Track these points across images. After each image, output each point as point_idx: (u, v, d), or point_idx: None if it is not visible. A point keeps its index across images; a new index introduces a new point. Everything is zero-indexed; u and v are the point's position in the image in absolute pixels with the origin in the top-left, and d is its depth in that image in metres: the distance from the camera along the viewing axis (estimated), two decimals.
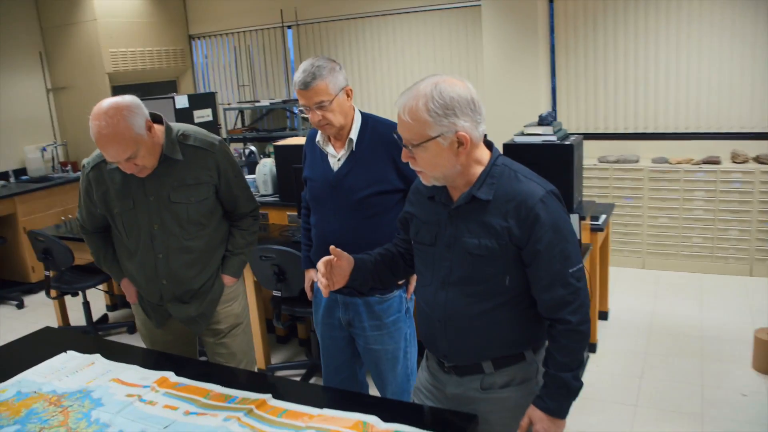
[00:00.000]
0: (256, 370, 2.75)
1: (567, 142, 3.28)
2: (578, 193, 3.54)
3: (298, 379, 3.75)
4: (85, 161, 2.39)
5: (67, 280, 4.48)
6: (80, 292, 4.59)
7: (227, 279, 2.56)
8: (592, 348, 3.94)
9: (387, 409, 1.84)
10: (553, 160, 3.29)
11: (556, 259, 1.63)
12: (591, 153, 5.24)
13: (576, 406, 1.73)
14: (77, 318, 5.00)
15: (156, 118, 2.33)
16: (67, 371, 2.20)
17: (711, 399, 3.34)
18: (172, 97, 5.29)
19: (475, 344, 1.74)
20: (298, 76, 2.32)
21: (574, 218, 3.24)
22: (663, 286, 4.99)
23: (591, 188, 5.28)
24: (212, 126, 5.75)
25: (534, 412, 1.70)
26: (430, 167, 1.66)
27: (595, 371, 3.73)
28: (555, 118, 3.38)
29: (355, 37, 6.67)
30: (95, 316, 4.90)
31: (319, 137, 2.50)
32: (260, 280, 3.66)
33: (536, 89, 5.33)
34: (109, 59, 6.53)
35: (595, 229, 3.76)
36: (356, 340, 2.58)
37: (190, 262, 2.43)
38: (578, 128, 5.64)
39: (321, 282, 1.81)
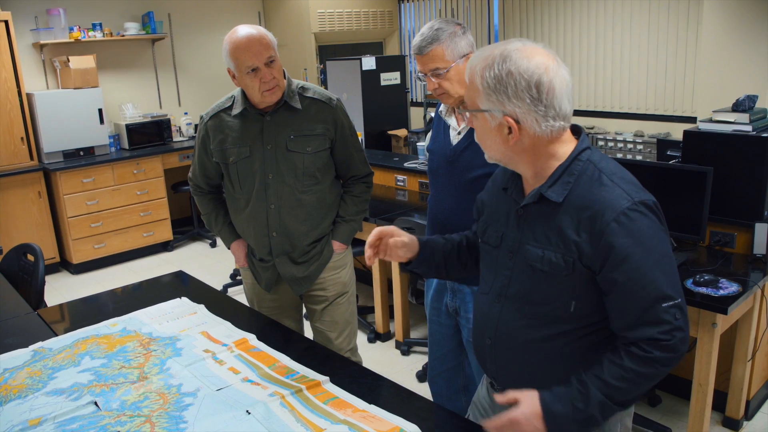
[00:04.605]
0: (356, 343, 2.68)
1: (765, 135, 2.65)
2: None
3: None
4: (203, 113, 2.45)
5: None
6: None
7: (337, 245, 2.51)
8: (734, 425, 2.94)
9: (438, 420, 1.64)
10: (743, 157, 2.69)
11: (645, 292, 1.26)
12: None
13: None
14: None
15: None
16: (171, 317, 2.30)
17: None
18: (360, 59, 5.32)
19: (526, 375, 1.44)
20: (415, 40, 2.13)
21: (761, 228, 2.64)
22: None
23: None
24: (399, 90, 5.70)
25: (530, 400, 1.33)
26: (481, 141, 1.42)
27: None
28: (754, 104, 2.75)
29: (563, 4, 6.16)
30: None
31: (442, 107, 2.31)
32: None
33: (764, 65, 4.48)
34: (316, 19, 6.79)
35: None
36: (462, 331, 2.38)
37: (301, 216, 2.41)
38: None
39: (366, 252, 1.62)
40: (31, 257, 3.07)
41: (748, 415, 3.00)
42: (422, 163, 4.40)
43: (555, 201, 1.34)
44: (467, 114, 1.41)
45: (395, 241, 1.62)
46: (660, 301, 1.26)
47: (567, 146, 1.37)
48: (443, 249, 1.70)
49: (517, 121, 1.31)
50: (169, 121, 6.22)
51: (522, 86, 1.28)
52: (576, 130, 1.41)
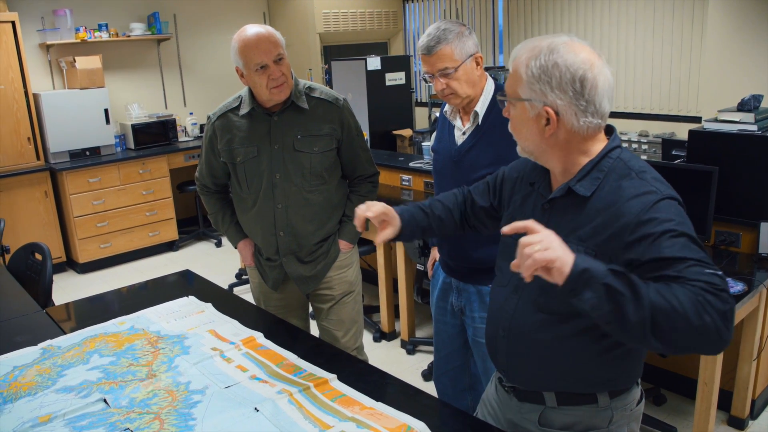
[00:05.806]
0: (362, 341, 2.69)
1: None
2: None
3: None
4: (210, 113, 2.47)
5: None
6: None
7: (343, 244, 2.52)
8: (739, 424, 2.97)
9: (445, 418, 1.65)
10: (748, 156, 2.69)
11: (682, 253, 1.17)
12: None
13: None
14: None
15: None
16: (178, 315, 2.31)
17: None
18: (365, 59, 5.33)
19: (537, 370, 1.44)
20: (422, 40, 2.15)
21: (767, 227, 2.64)
22: None
23: None
24: (404, 90, 5.72)
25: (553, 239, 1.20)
26: (516, 131, 1.42)
27: None
28: (759, 104, 2.76)
29: (568, 5, 6.16)
30: None
31: (446, 108, 2.32)
32: (408, 251, 3.59)
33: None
34: (321, 20, 6.80)
35: None
36: (467, 330, 2.39)
37: (308, 216, 2.43)
38: None
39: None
40: (38, 256, 3.09)
41: (754, 414, 3.01)
42: (427, 163, 4.41)
43: (583, 195, 1.34)
44: (505, 102, 1.42)
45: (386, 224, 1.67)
46: (701, 265, 1.16)
47: (599, 144, 1.38)
48: (422, 225, 1.75)
49: (556, 113, 1.31)
50: (174, 121, 6.24)
51: (567, 79, 1.29)
52: (608, 130, 1.41)
